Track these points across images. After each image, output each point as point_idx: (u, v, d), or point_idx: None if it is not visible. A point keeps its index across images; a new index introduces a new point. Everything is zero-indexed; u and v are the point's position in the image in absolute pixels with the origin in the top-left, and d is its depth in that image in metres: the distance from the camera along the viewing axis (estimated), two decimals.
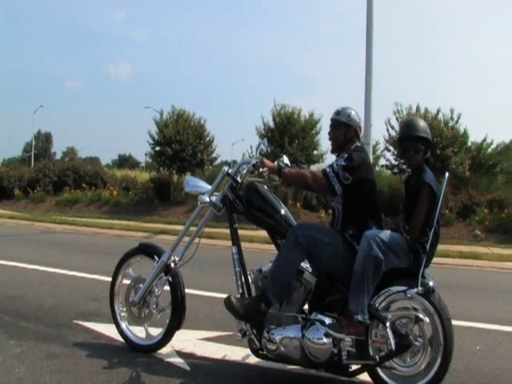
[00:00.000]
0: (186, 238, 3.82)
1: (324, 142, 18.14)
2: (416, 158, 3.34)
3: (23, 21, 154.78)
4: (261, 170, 3.40)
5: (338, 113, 3.50)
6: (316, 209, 14.79)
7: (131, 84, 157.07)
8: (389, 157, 15.63)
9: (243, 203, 3.53)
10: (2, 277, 6.54)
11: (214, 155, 19.35)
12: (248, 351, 3.71)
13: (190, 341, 4.07)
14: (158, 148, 18.52)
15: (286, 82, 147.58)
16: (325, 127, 18.58)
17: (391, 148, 15.20)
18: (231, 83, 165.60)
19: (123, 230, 12.86)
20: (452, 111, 15.22)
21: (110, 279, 6.11)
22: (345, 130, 3.46)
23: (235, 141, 63.76)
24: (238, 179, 3.59)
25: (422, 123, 3.40)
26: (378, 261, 3.10)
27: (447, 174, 3.23)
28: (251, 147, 18.56)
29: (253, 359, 3.67)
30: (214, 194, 3.68)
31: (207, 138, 18.99)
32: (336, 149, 3.54)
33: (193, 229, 3.81)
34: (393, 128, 15.29)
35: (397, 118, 15.24)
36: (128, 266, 4.02)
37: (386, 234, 3.19)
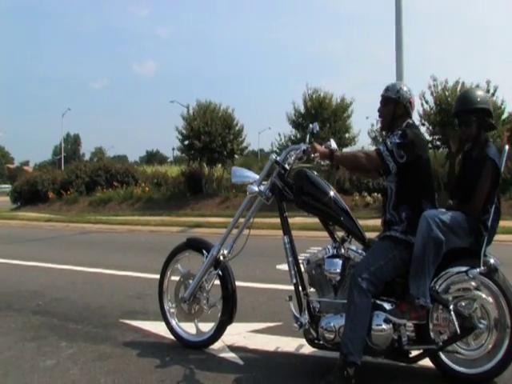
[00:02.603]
0: (235, 231, 3.72)
1: (355, 125, 17.97)
2: (468, 132, 3.20)
3: (45, 24, 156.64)
4: (312, 155, 3.27)
5: (387, 89, 3.33)
6: (350, 192, 14.59)
7: (156, 80, 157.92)
8: (423, 131, 15.28)
9: (293, 190, 3.42)
10: (47, 279, 6.57)
11: (244, 144, 19.23)
12: (300, 341, 3.64)
13: (239, 334, 3.99)
14: (186, 142, 18.50)
15: (311, 68, 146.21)
16: (356, 110, 18.37)
17: (425, 123, 14.84)
18: (254, 72, 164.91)
19: (158, 226, 12.90)
20: (488, 83, 14.72)
21: (151, 276, 6.23)
22: (394, 107, 3.29)
23: (261, 129, 63.63)
24: (286, 166, 3.47)
25: (473, 94, 3.24)
26: (439, 242, 2.94)
27: (507, 148, 3.07)
28: (279, 135, 18.47)
29: (306, 349, 3.57)
30: (263, 183, 3.57)
31: (236, 128, 18.87)
32: (386, 126, 3.39)
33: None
34: (427, 102, 14.94)
35: (431, 93, 14.83)
36: (176, 262, 3.95)
37: (445, 213, 3.04)
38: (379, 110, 3.41)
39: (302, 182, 3.41)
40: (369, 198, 13.89)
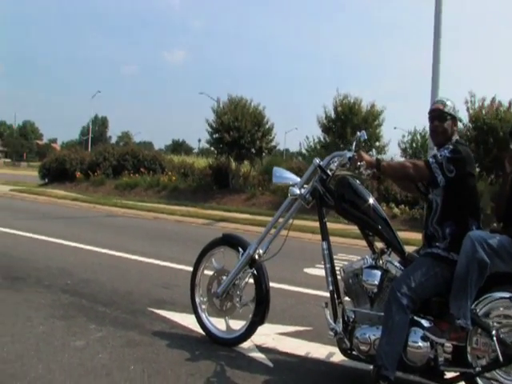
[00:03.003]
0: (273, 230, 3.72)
1: (386, 134, 17.84)
2: None
3: (80, 8, 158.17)
4: (358, 163, 3.24)
5: (443, 104, 3.28)
6: (378, 202, 14.41)
7: (186, 70, 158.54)
8: None
9: (334, 197, 3.40)
10: (75, 259, 6.65)
11: (273, 143, 19.19)
12: (330, 349, 3.65)
13: (268, 335, 3.97)
14: (215, 135, 18.52)
15: (342, 72, 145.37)
16: (388, 119, 18.21)
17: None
18: (285, 71, 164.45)
19: (184, 216, 12.94)
20: None
21: (178, 266, 6.28)
22: (451, 122, 3.26)
23: (288, 129, 63.45)
24: (329, 172, 3.45)
25: None
26: (483, 264, 2.89)
27: None
28: (307, 138, 18.41)
29: (336, 357, 3.55)
30: (304, 186, 3.55)
31: (266, 126, 18.82)
32: (443, 141, 3.28)
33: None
34: (460, 121, 14.72)
35: (467, 109, 14.59)
36: (211, 256, 3.95)
37: (491, 235, 2.98)
38: (436, 126, 3.31)
39: (344, 190, 3.39)
40: (396, 210, 13.75)
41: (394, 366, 2.95)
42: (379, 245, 3.37)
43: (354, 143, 3.46)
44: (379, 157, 16.64)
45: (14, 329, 3.82)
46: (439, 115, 3.27)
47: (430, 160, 3.10)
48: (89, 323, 4.06)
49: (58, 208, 14.41)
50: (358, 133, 3.48)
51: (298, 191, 3.49)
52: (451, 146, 3.13)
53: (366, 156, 3.24)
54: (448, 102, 3.30)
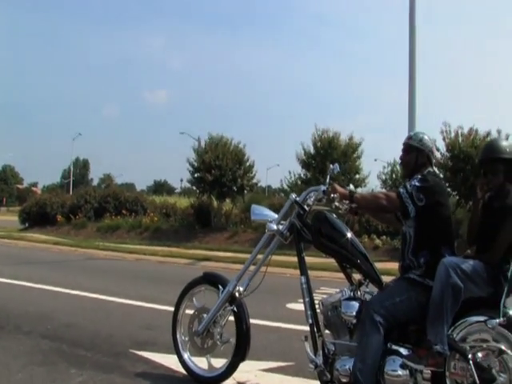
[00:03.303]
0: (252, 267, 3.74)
1: (366, 166, 18.04)
2: (495, 181, 3.23)
3: (60, 49, 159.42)
4: (332, 195, 3.31)
5: (409, 137, 3.44)
6: (359, 234, 14.56)
7: (167, 110, 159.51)
8: None
9: (311, 231, 3.45)
10: (55, 303, 6.59)
11: (254, 180, 19.34)
12: (312, 382, 3.63)
13: (251, 372, 3.95)
14: (197, 174, 18.62)
15: (322, 107, 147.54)
16: (366, 151, 18.47)
17: (435, 170, 14.85)
18: (262, 108, 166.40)
19: (166, 257, 12.90)
20: (499, 132, 14.82)
21: (160, 307, 6.25)
22: (416, 155, 3.38)
23: (270, 166, 63.83)
24: (306, 207, 3.52)
25: (501, 144, 3.31)
26: (457, 289, 2.96)
27: None
28: (289, 173, 18.57)
29: None
30: (281, 222, 3.61)
31: (247, 163, 19.00)
32: (407, 174, 3.45)
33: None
34: (438, 150, 15.00)
35: (444, 139, 14.88)
36: (192, 296, 3.96)
37: (464, 261, 3.06)
38: (401, 158, 3.51)
39: (320, 224, 3.44)
40: (378, 241, 13.89)
41: (369, 382, 2.99)
42: (357, 276, 3.42)
43: (328, 176, 3.54)
44: (358, 190, 16.84)
45: None
46: (404, 148, 3.44)
47: (401, 190, 3.20)
48: (69, 368, 4.00)
49: (38, 252, 14.25)
50: (331, 166, 3.56)
51: (275, 227, 3.54)
52: (420, 176, 3.24)
53: (339, 188, 3.32)
54: (416, 135, 3.43)
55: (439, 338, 2.95)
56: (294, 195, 3.61)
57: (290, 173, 18.70)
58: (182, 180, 46.58)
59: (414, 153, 3.38)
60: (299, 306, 3.46)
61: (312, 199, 3.52)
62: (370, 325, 3.05)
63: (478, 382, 2.90)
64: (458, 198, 14.87)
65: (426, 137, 3.42)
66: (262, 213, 3.81)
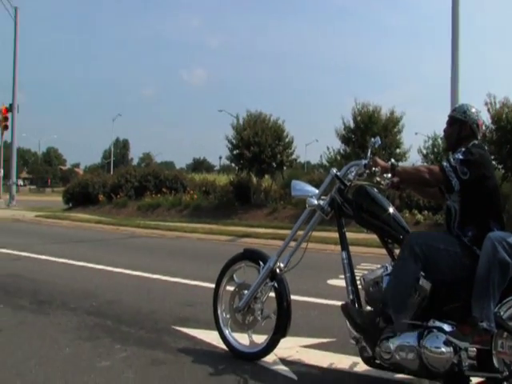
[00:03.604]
0: (293, 243, 3.72)
1: (406, 141, 17.66)
2: None
3: (99, 30, 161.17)
4: (373, 169, 3.24)
5: (454, 109, 3.35)
6: (400, 209, 14.34)
7: (205, 89, 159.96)
8: None
9: (352, 206, 3.39)
10: (99, 281, 6.72)
11: (293, 156, 19.21)
12: (354, 359, 3.60)
13: (292, 348, 3.95)
14: (236, 151, 18.60)
15: (360, 82, 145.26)
16: (407, 124, 18.10)
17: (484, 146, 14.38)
18: (302, 83, 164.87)
19: (206, 234, 12.99)
20: None
21: (201, 284, 6.30)
22: (459, 127, 3.28)
23: (308, 141, 63.47)
24: (346, 182, 3.45)
25: None
26: (505, 264, 2.86)
27: None
28: (328, 148, 18.35)
29: (360, 367, 3.51)
30: (322, 197, 3.55)
31: (286, 139, 18.85)
32: (451, 146, 3.38)
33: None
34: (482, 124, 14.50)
35: (488, 110, 14.35)
36: (232, 272, 3.96)
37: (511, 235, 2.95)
38: (444, 130, 3.43)
39: (362, 199, 3.39)
40: (419, 216, 13.63)
41: (397, 309, 3.02)
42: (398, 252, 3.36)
43: (369, 150, 3.47)
44: (399, 164, 16.55)
45: (41, 351, 3.87)
46: (448, 120, 3.37)
47: (444, 164, 3.11)
48: (114, 344, 4.08)
49: (82, 231, 14.59)
50: (373, 139, 3.48)
51: (315, 202, 3.50)
52: (463, 149, 3.14)
53: (380, 161, 3.25)
54: (460, 107, 3.35)
55: (485, 314, 2.87)
56: (334, 170, 3.55)
57: (328, 148, 18.47)
58: (220, 157, 46.99)
59: (457, 125, 3.29)
60: (340, 282, 3.43)
61: (353, 174, 3.46)
62: (407, 253, 3.05)
63: None
64: (503, 171, 14.41)
65: (472, 109, 3.31)
66: (303, 188, 3.77)
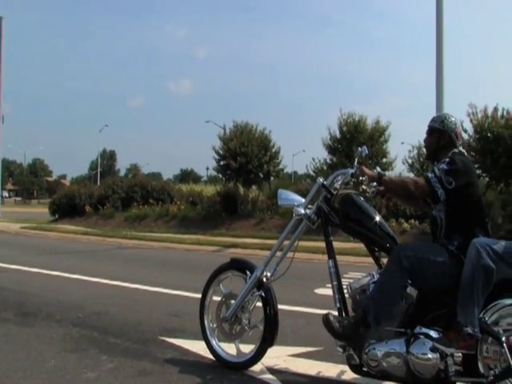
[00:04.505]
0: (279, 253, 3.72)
1: (392, 150, 17.81)
2: None
3: (87, 40, 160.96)
4: (360, 178, 3.26)
5: (432, 119, 3.39)
6: (387, 218, 14.42)
7: (192, 100, 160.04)
8: None
9: (339, 215, 3.41)
10: (86, 292, 6.67)
11: (280, 166, 19.28)
12: (342, 367, 3.60)
13: (280, 357, 3.95)
14: (222, 162, 18.62)
15: (347, 92, 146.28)
16: (395, 135, 18.31)
17: (465, 153, 14.53)
18: (290, 94, 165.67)
19: (193, 245, 12.96)
20: None
21: (188, 294, 6.28)
22: (438, 136, 3.33)
23: (296, 152, 63.65)
24: (333, 191, 3.47)
25: None
26: (489, 270, 2.89)
27: None
28: (313, 159, 18.46)
29: (348, 375, 3.51)
30: (308, 206, 3.57)
31: (273, 150, 18.93)
32: (430, 156, 3.46)
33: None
34: (465, 131, 14.69)
35: (471, 120, 14.55)
36: (219, 282, 3.95)
37: (496, 241, 2.98)
38: (425, 140, 3.48)
39: (348, 207, 3.41)
40: (406, 225, 13.74)
41: (378, 319, 3.02)
42: (385, 260, 3.37)
43: (356, 159, 3.49)
44: (386, 173, 16.67)
45: (26, 364, 3.82)
46: (427, 130, 3.42)
47: (429, 175, 3.13)
48: (100, 355, 4.04)
49: (68, 243, 14.48)
50: (359, 148, 3.49)
51: (302, 211, 3.51)
52: (447, 159, 3.16)
53: (367, 170, 3.28)
54: (438, 117, 3.41)
55: (470, 319, 2.89)
56: (321, 179, 3.56)
57: (313, 159, 18.58)
58: (208, 168, 46.83)
59: (436, 134, 3.33)
60: (327, 291, 3.45)
61: (339, 182, 3.48)
62: (395, 267, 3.04)
63: None
64: (488, 180, 14.56)
65: (450, 118, 3.36)
66: (289, 197, 3.78)
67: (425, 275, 3.05)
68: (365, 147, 3.51)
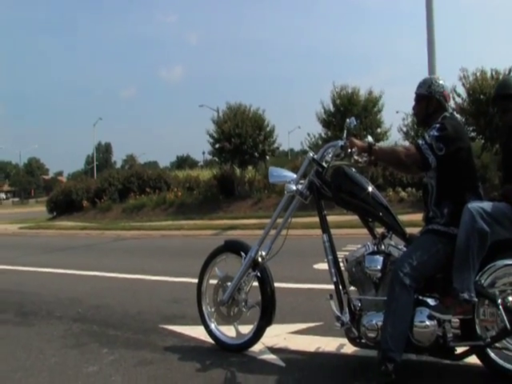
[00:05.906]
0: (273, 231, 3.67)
1: (387, 119, 17.76)
2: (505, 119, 3.12)
3: (77, 32, 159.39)
4: (350, 150, 3.20)
5: (419, 86, 3.29)
6: (383, 188, 14.37)
7: (184, 86, 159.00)
8: None
9: (331, 188, 3.36)
10: (85, 287, 6.64)
11: (275, 145, 19.20)
12: (342, 341, 3.58)
13: (279, 335, 3.93)
14: (217, 145, 18.54)
15: (341, 67, 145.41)
16: (389, 104, 18.29)
17: (459, 116, 14.51)
18: (281, 72, 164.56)
19: (192, 230, 12.96)
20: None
21: (187, 280, 6.25)
22: (426, 103, 3.24)
23: (291, 129, 63.45)
24: (324, 164, 3.41)
25: None
26: (483, 234, 2.84)
27: None
28: (309, 135, 18.38)
29: (348, 349, 3.51)
30: (300, 182, 3.51)
31: (267, 129, 18.83)
32: (421, 123, 3.39)
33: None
34: (459, 96, 14.60)
35: (463, 84, 14.49)
36: (214, 265, 3.92)
37: (489, 204, 2.93)
38: (413, 108, 3.39)
39: (340, 179, 3.36)
40: (403, 194, 13.71)
41: (399, 348, 2.91)
42: (380, 230, 3.33)
43: (345, 131, 3.43)
44: (380, 143, 16.61)
45: (27, 363, 3.80)
46: (414, 98, 3.33)
47: (420, 142, 3.07)
48: (101, 348, 4.03)
49: (67, 239, 14.46)
50: (348, 120, 3.43)
51: (294, 187, 3.46)
52: (437, 125, 3.08)
53: (357, 142, 3.22)
54: (424, 83, 3.30)
55: (466, 285, 2.86)
56: (311, 153, 3.51)
57: (308, 135, 18.50)
58: (204, 153, 46.75)
59: (424, 101, 3.25)
60: (326, 266, 3.39)
61: (330, 155, 3.42)
62: (399, 289, 2.93)
63: (508, 326, 2.82)
64: (483, 141, 14.51)
65: (437, 81, 3.26)
66: (280, 174, 3.73)
67: (426, 274, 3.02)
68: (353, 118, 3.45)
